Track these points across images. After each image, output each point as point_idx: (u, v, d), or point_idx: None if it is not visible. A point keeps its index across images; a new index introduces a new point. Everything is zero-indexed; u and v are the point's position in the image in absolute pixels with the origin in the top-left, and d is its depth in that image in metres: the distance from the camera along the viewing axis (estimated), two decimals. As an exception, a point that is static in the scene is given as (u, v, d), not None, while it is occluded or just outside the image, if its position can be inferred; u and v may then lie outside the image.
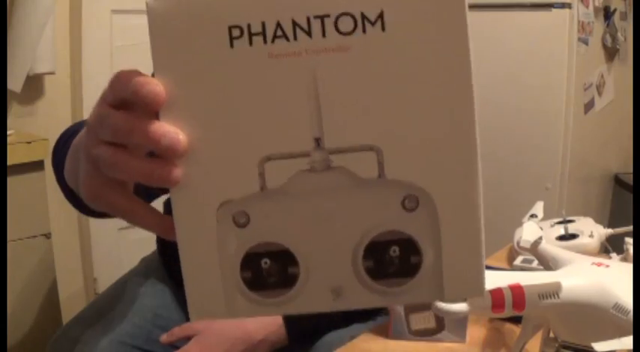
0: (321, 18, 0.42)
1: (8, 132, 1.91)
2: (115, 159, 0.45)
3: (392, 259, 0.45)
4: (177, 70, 0.43)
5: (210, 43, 0.42)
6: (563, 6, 2.43)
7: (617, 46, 2.82)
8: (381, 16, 0.42)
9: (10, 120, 2.14)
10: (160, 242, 1.40)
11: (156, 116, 0.44)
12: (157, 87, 0.42)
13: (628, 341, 0.61)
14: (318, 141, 0.43)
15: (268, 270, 0.45)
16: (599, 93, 2.73)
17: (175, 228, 0.45)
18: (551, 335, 0.81)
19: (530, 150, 2.55)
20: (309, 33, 0.42)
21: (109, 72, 2.54)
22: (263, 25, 0.42)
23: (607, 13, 2.72)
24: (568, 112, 2.49)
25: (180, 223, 0.45)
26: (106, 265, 2.57)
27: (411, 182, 0.44)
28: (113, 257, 2.56)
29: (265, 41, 0.42)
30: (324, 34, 0.42)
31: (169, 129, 0.43)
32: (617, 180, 3.05)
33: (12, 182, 1.79)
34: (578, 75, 2.49)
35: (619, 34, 2.82)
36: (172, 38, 0.43)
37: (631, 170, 3.01)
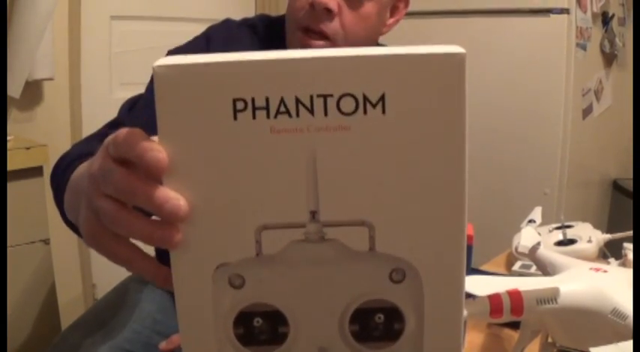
0: (324, 97, 0.43)
1: (7, 138, 1.91)
2: (117, 216, 0.46)
3: (377, 324, 0.48)
4: (181, 137, 0.44)
5: (214, 113, 0.43)
6: (561, 12, 2.43)
7: (616, 52, 2.83)
8: (382, 98, 0.43)
9: (9, 126, 2.14)
10: (158, 249, 1.39)
11: (159, 177, 0.45)
12: (159, 154, 0.43)
13: (626, 346, 0.61)
14: (313, 214, 0.45)
15: (260, 328, 0.48)
16: (598, 99, 2.74)
17: (174, 284, 0.47)
18: (550, 340, 0.81)
19: (528, 156, 2.55)
20: (311, 111, 0.43)
21: (108, 77, 2.55)
22: (267, 100, 0.43)
23: (605, 19, 2.72)
24: (566, 118, 2.49)
25: (178, 281, 0.47)
26: (105, 271, 2.55)
27: (400, 256, 0.46)
28: (112, 263, 2.55)
29: (268, 116, 0.43)
30: (325, 113, 0.43)
31: (172, 196, 0.44)
32: (616, 186, 3.05)
33: (11, 187, 1.79)
34: (576, 80, 2.50)
35: (617, 40, 2.82)
36: (178, 106, 0.43)
37: (629, 175, 3.01)
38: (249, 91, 0.43)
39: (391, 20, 1.21)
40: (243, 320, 0.47)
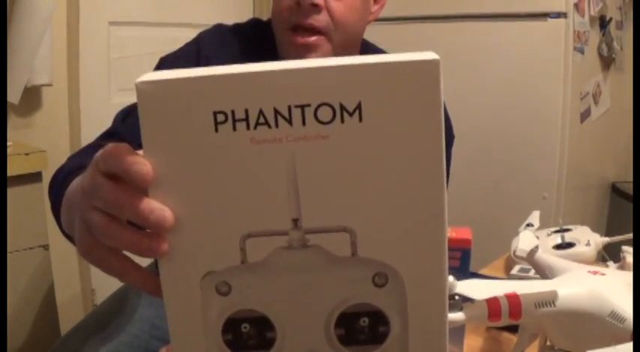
0: (302, 107, 0.44)
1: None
2: (106, 228, 0.48)
3: (362, 328, 0.49)
4: (165, 150, 0.45)
5: (196, 126, 0.44)
6: (558, 16, 2.43)
7: (613, 55, 2.83)
8: (359, 107, 0.44)
9: (8, 132, 2.14)
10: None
11: (145, 190, 0.46)
12: (144, 167, 0.45)
13: (624, 349, 0.61)
14: (296, 222, 0.46)
15: (248, 334, 0.49)
16: (596, 102, 2.74)
17: (163, 293, 0.48)
18: (548, 343, 0.81)
19: (526, 160, 2.55)
20: (289, 121, 0.44)
21: (107, 83, 2.55)
22: (246, 112, 0.44)
23: (603, 23, 2.73)
24: (564, 121, 2.49)
25: (167, 290, 0.48)
26: (104, 276, 2.52)
27: (382, 261, 0.47)
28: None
29: (248, 127, 0.44)
30: (304, 123, 0.44)
31: (157, 207, 0.46)
32: (614, 189, 3.05)
33: (10, 193, 1.79)
34: (574, 84, 2.50)
35: (615, 43, 2.83)
36: (160, 120, 0.44)
37: (628, 178, 3.02)
38: (229, 104, 0.44)
39: (375, 7, 1.21)
40: (232, 327, 0.49)
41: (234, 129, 0.44)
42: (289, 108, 0.44)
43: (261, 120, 0.44)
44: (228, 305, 0.48)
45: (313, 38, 1.11)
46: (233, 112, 0.44)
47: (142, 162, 0.45)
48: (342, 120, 0.44)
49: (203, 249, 0.47)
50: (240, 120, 0.44)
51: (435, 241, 0.47)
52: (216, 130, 0.44)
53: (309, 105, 0.44)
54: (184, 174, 0.45)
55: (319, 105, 0.44)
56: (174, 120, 0.44)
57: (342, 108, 0.44)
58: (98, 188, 0.48)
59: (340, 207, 0.46)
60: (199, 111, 0.44)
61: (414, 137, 0.44)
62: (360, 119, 0.44)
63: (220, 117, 0.44)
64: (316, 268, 0.47)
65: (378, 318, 0.48)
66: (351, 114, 0.44)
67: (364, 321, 0.48)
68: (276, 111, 0.44)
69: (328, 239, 0.46)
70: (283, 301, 0.48)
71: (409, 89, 0.43)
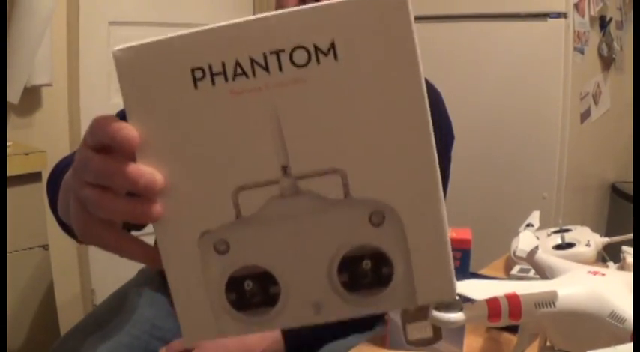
0: (277, 53, 0.44)
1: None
2: (100, 200, 0.48)
3: (365, 272, 0.48)
4: (148, 114, 0.45)
5: (175, 86, 0.45)
6: (558, 16, 2.44)
7: (613, 56, 2.83)
8: (332, 46, 0.44)
9: (8, 132, 2.14)
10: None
11: (134, 158, 0.46)
12: (130, 131, 0.45)
13: (624, 349, 0.61)
14: (285, 169, 0.46)
15: (251, 291, 0.48)
16: (596, 103, 2.74)
17: (162, 258, 0.48)
18: (548, 343, 0.81)
19: (526, 160, 2.55)
20: (266, 68, 0.44)
21: (107, 84, 2.55)
22: (223, 64, 0.44)
23: (602, 23, 2.73)
24: (564, 122, 2.49)
25: (165, 255, 0.48)
26: (104, 276, 2.56)
27: (376, 199, 0.46)
28: (110, 268, 2.55)
29: (226, 80, 0.44)
30: (280, 69, 0.44)
31: (146, 171, 0.46)
32: (614, 189, 3.05)
33: (9, 193, 1.79)
34: (574, 84, 2.50)
35: (615, 44, 2.83)
36: (140, 85, 0.45)
37: (628, 179, 3.02)
38: (205, 59, 0.44)
39: None
40: (234, 286, 0.48)
41: (213, 83, 0.44)
42: (264, 55, 0.44)
43: (239, 71, 0.44)
44: (229, 263, 0.48)
45: None
46: (210, 67, 0.44)
47: (127, 128, 0.45)
48: (318, 61, 0.44)
49: (196, 208, 0.47)
50: (218, 73, 0.44)
51: (426, 172, 0.46)
52: (196, 87, 0.44)
53: (283, 51, 0.44)
54: (170, 136, 0.46)
55: (293, 49, 0.44)
56: (154, 83, 0.45)
57: (317, 49, 0.44)
58: (88, 162, 0.48)
59: (327, 149, 0.45)
60: (176, 70, 0.44)
61: (391, 70, 0.44)
62: (335, 58, 0.44)
63: (198, 74, 0.44)
64: (311, 214, 0.47)
65: (380, 259, 0.47)
66: (326, 54, 0.44)
67: (367, 264, 0.48)
68: (252, 60, 0.44)
69: (320, 183, 0.46)
70: (283, 252, 0.48)
71: (379, 23, 0.43)
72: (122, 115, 0.47)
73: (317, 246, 0.47)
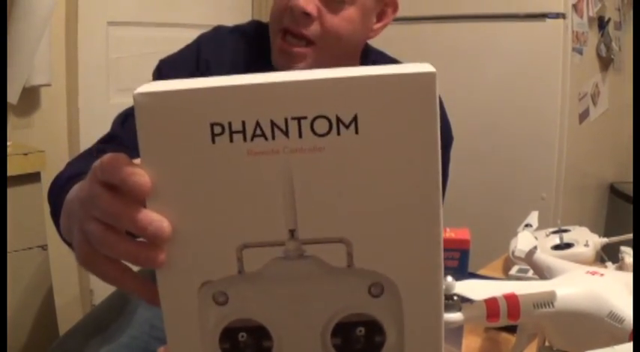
0: (299, 119, 0.44)
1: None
2: (104, 238, 0.48)
3: (358, 337, 0.49)
4: (162, 160, 0.45)
5: (193, 138, 0.45)
6: (557, 16, 2.44)
7: (612, 56, 2.83)
8: (355, 119, 0.44)
9: (7, 132, 2.14)
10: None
11: (143, 200, 0.46)
12: (142, 178, 0.45)
13: (622, 349, 0.61)
14: (292, 233, 0.46)
15: (245, 343, 0.49)
16: (594, 103, 2.74)
17: (161, 302, 0.48)
18: (547, 343, 0.81)
19: (525, 160, 2.55)
20: (286, 133, 0.44)
21: (105, 83, 2.55)
22: (243, 123, 0.44)
23: (601, 23, 2.73)
24: (563, 122, 2.49)
25: (165, 299, 0.48)
26: (103, 277, 2.56)
27: (378, 271, 0.47)
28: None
29: (245, 139, 0.44)
30: (300, 135, 0.44)
31: (155, 218, 0.46)
32: (613, 190, 3.06)
33: (8, 193, 1.79)
34: (572, 85, 2.50)
35: (613, 44, 2.83)
36: (158, 132, 0.45)
37: (626, 179, 3.02)
38: (226, 116, 0.44)
39: (378, 25, 1.19)
40: (229, 336, 0.49)
41: (231, 140, 0.44)
42: (286, 120, 0.44)
43: (258, 131, 0.44)
44: (226, 314, 0.48)
45: (298, 49, 1.10)
46: (230, 124, 0.44)
47: (139, 173, 0.45)
48: (339, 133, 0.44)
49: (200, 259, 0.47)
50: (237, 131, 0.44)
51: (431, 251, 0.47)
52: (213, 142, 0.44)
53: (305, 118, 0.44)
54: (182, 185, 0.46)
55: (316, 118, 0.44)
56: (172, 132, 0.44)
57: (339, 120, 0.44)
58: (96, 198, 0.48)
59: (336, 218, 0.46)
60: (196, 122, 0.44)
61: (410, 149, 0.45)
62: (357, 131, 0.44)
63: (217, 129, 0.44)
64: (312, 278, 0.47)
65: (374, 328, 0.49)
66: (347, 127, 0.44)
67: (360, 331, 0.49)
68: (273, 123, 0.44)
69: (324, 249, 0.47)
70: (280, 311, 0.48)
71: (405, 102, 0.44)
72: (126, 116, 0.47)
73: (314, 308, 0.48)
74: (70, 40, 2.43)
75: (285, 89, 0.44)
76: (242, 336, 0.49)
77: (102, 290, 2.32)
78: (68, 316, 2.11)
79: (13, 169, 1.83)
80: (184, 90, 0.44)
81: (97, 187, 0.48)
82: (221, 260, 0.47)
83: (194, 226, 0.46)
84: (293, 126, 0.44)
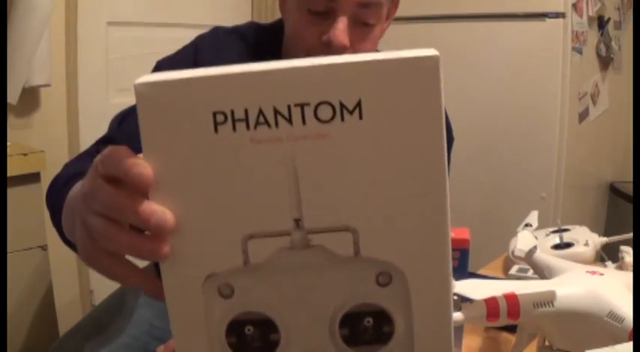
0: (302, 106, 0.43)
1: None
2: (107, 232, 0.47)
3: (366, 328, 0.48)
4: (165, 152, 0.45)
5: (195, 127, 0.44)
6: (557, 16, 2.43)
7: (612, 55, 2.83)
8: (358, 104, 0.43)
9: (7, 132, 2.14)
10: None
11: (145, 193, 0.46)
12: (144, 169, 0.45)
13: (622, 349, 0.61)
14: (298, 222, 0.46)
15: (252, 336, 0.48)
16: (594, 103, 2.74)
17: (165, 296, 0.48)
18: (547, 343, 0.81)
19: (525, 160, 2.55)
20: (289, 120, 0.44)
21: (105, 84, 2.55)
22: (246, 111, 0.43)
23: (601, 23, 2.73)
24: (563, 121, 2.49)
25: (169, 293, 0.48)
26: (103, 277, 2.54)
27: (385, 260, 0.46)
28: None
29: (248, 127, 0.44)
30: (304, 122, 0.44)
31: (157, 209, 0.45)
32: (613, 189, 3.06)
33: (8, 194, 1.79)
34: (572, 84, 2.50)
35: (613, 43, 2.83)
36: (160, 122, 0.44)
37: (626, 178, 3.02)
38: (228, 104, 0.43)
39: (385, 24, 1.20)
40: (235, 329, 0.48)
41: (234, 129, 0.44)
42: (289, 107, 0.43)
43: (261, 119, 0.43)
44: (231, 307, 0.48)
45: None
46: (232, 112, 0.43)
47: (141, 165, 0.45)
48: (342, 119, 0.43)
49: (205, 251, 0.46)
50: (240, 120, 0.43)
51: (438, 238, 0.46)
52: (216, 131, 0.44)
53: (308, 104, 0.43)
54: (185, 176, 0.45)
55: (319, 104, 0.43)
56: (174, 122, 0.44)
57: (342, 106, 0.43)
58: (98, 192, 0.47)
59: (342, 206, 0.45)
60: (199, 111, 0.44)
61: (415, 134, 0.44)
62: (360, 117, 0.43)
63: (220, 118, 0.44)
64: (319, 268, 0.47)
65: (383, 318, 0.48)
66: (351, 112, 0.43)
67: (368, 321, 0.48)
68: (276, 111, 0.43)
69: (331, 239, 0.46)
70: (287, 302, 0.47)
71: (409, 86, 0.43)
72: (123, 117, 0.46)
73: (322, 299, 0.47)
74: (70, 40, 2.43)
75: (288, 76, 0.43)
76: (249, 329, 0.48)
77: (102, 290, 2.32)
78: (68, 316, 2.11)
79: (12, 170, 1.83)
80: (185, 80, 0.43)
81: (98, 181, 0.48)
82: (226, 251, 0.46)
83: (198, 217, 0.45)
84: (296, 113, 0.43)
